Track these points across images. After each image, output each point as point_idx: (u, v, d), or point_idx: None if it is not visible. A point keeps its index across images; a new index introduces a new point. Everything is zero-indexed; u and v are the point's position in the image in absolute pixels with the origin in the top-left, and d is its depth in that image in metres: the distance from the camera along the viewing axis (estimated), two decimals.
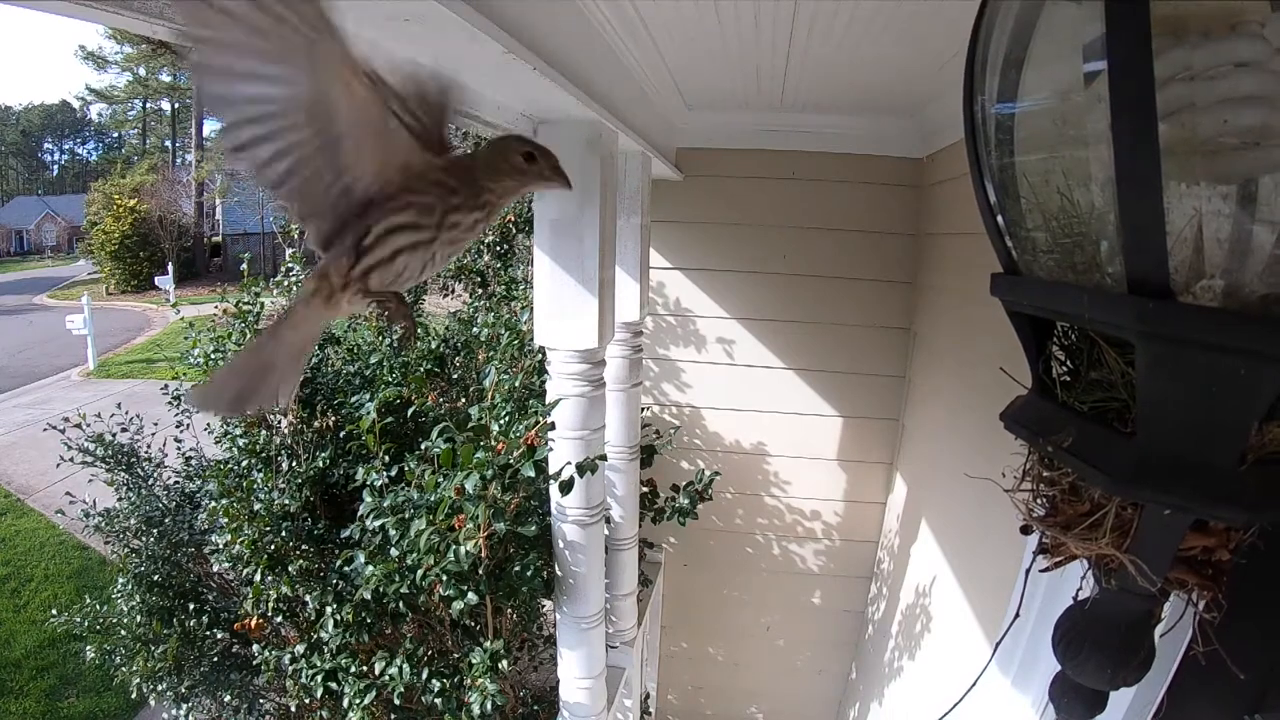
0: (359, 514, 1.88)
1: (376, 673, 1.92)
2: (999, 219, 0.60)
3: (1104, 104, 0.46)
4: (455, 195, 0.61)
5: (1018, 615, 0.65)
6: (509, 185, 0.63)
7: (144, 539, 2.84)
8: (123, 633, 2.74)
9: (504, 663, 1.82)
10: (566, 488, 1.70)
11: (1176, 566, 0.53)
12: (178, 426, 3.19)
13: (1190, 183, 0.47)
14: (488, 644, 1.83)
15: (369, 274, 0.61)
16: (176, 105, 34.48)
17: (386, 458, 1.94)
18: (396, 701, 1.88)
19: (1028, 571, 0.62)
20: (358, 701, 1.91)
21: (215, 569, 2.81)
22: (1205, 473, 0.47)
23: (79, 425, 3.12)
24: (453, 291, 3.96)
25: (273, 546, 2.17)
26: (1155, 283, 0.45)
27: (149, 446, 3.25)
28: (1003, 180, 0.59)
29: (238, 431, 2.55)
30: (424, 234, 0.60)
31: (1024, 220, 0.58)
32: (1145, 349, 0.47)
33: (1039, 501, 0.60)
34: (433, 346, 2.76)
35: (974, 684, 0.76)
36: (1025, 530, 0.60)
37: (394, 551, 1.81)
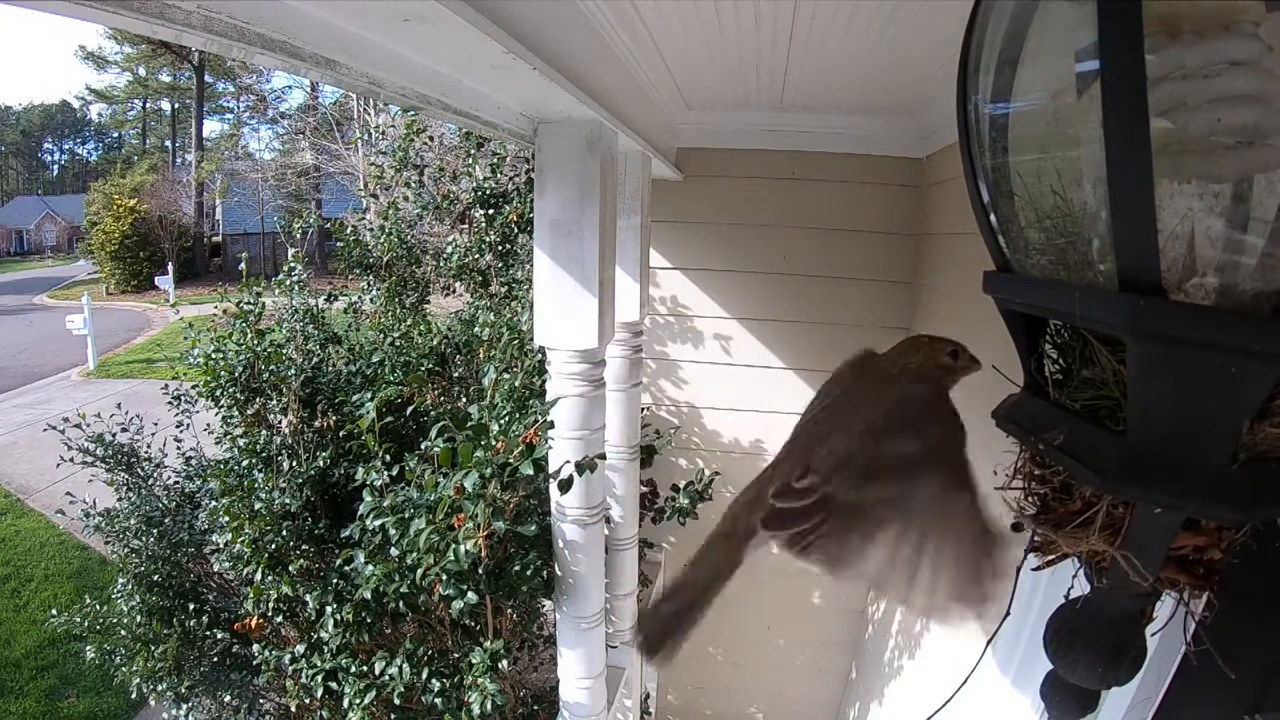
0: (359, 513, 1.88)
1: (376, 673, 1.92)
2: (992, 217, 0.60)
3: (1097, 102, 0.46)
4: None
5: (1008, 614, 0.65)
6: (949, 383, 0.71)
7: (144, 539, 2.85)
8: (123, 633, 2.75)
9: (504, 663, 1.82)
10: (566, 486, 1.70)
11: (1168, 565, 0.53)
12: (178, 426, 3.20)
13: (1182, 181, 0.47)
14: (488, 644, 1.83)
15: None
16: (176, 105, 34.50)
17: (387, 457, 1.94)
18: (396, 701, 1.88)
19: (1019, 569, 0.62)
20: (358, 701, 1.91)
21: (215, 569, 2.81)
22: (1197, 471, 0.46)
23: (79, 425, 3.13)
24: (454, 291, 3.95)
25: (273, 546, 2.18)
26: (1147, 280, 0.45)
27: (149, 446, 3.26)
28: (996, 179, 0.59)
29: (238, 431, 2.56)
30: None
31: (1017, 219, 0.58)
32: (1136, 347, 0.47)
33: (1030, 499, 0.60)
34: (434, 344, 2.76)
35: (964, 682, 0.76)
36: (1016, 528, 0.60)
37: (394, 551, 1.81)
